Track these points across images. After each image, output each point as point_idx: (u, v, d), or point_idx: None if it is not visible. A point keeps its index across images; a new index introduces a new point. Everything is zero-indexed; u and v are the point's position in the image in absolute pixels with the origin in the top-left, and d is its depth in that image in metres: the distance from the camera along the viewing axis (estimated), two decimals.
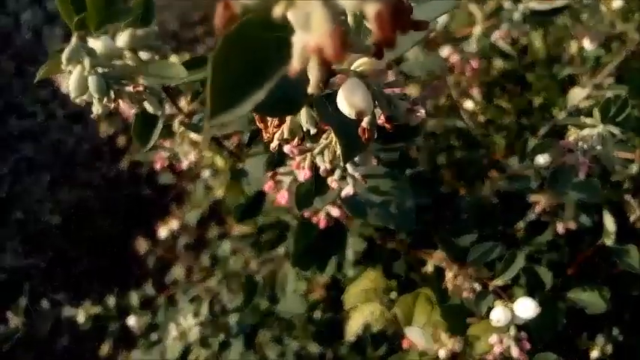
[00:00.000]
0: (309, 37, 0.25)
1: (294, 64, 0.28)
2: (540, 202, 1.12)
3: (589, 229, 1.17)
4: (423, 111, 0.46)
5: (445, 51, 1.14)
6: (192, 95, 0.89)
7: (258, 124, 0.49)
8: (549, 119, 1.55)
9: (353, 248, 1.22)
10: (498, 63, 1.53)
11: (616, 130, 0.95)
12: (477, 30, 1.10)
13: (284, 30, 0.29)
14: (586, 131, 0.95)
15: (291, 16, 0.27)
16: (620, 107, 0.96)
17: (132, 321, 1.63)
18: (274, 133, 0.56)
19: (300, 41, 0.27)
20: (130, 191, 2.76)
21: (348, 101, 0.43)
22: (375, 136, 0.69)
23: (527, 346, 0.96)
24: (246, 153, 1.07)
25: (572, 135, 0.96)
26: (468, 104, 1.49)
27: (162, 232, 1.62)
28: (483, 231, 1.23)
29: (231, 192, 1.33)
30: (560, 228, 1.11)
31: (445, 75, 1.27)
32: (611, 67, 1.33)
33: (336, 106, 0.48)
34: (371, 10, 0.24)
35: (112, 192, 2.76)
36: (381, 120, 0.47)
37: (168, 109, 0.88)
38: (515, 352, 0.95)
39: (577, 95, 1.36)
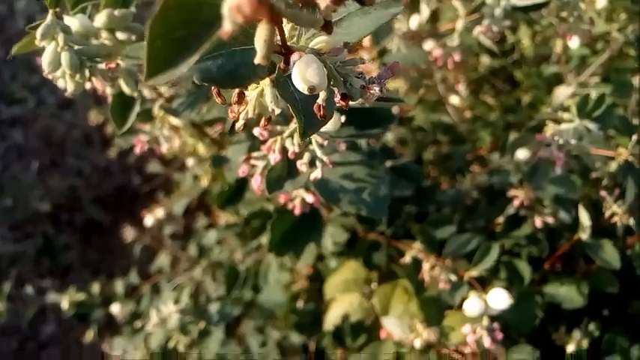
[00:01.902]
0: None
1: (225, 26, 0.29)
2: (520, 196, 1.13)
3: (568, 225, 1.19)
4: (377, 89, 0.47)
5: (428, 45, 1.15)
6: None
7: (215, 98, 0.50)
8: (536, 117, 1.56)
9: (334, 239, 1.22)
10: (486, 60, 1.54)
11: (592, 125, 0.96)
12: (460, 25, 1.11)
13: None
14: (563, 126, 0.96)
15: None
16: (597, 103, 0.97)
17: (116, 308, 1.64)
18: (240, 113, 0.57)
19: (228, 2, 0.28)
20: (119, 180, 2.77)
21: (301, 76, 0.44)
22: (337, 117, 0.71)
23: (500, 336, 0.97)
24: (229, 141, 1.09)
25: (550, 130, 0.97)
26: (454, 100, 1.50)
27: (149, 220, 1.63)
28: (464, 224, 1.25)
29: (216, 180, 1.35)
30: (538, 222, 1.13)
31: (429, 66, 1.28)
32: (595, 67, 1.35)
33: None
34: None
35: (101, 180, 2.77)
36: (337, 98, 0.48)
37: (148, 93, 0.89)
38: (487, 342, 0.97)
39: (562, 93, 1.38)
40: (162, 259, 1.77)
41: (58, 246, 2.55)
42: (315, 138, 0.69)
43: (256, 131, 0.68)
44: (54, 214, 2.64)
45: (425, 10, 1.11)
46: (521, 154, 1.19)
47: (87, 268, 2.48)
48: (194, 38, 0.32)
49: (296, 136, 0.68)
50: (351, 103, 0.51)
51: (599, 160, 1.11)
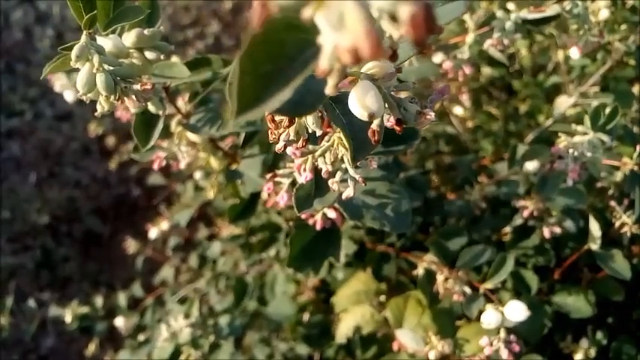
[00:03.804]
0: (343, 37, 0.26)
1: (323, 65, 0.29)
2: (528, 206, 1.13)
3: (574, 234, 1.20)
4: (432, 114, 0.48)
5: (438, 58, 1.16)
6: (190, 96, 0.89)
7: (269, 124, 0.50)
8: (535, 126, 1.58)
9: (345, 251, 1.23)
10: (486, 70, 1.55)
11: (606, 138, 0.97)
12: (470, 38, 1.12)
13: (309, 32, 0.30)
14: (577, 138, 0.97)
15: (320, 17, 0.28)
16: (610, 115, 0.98)
17: (119, 321, 1.62)
18: (280, 135, 0.57)
19: (330, 42, 0.28)
20: (118, 191, 2.74)
21: (360, 103, 0.44)
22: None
23: (517, 348, 0.98)
24: (241, 154, 1.08)
25: (563, 142, 0.98)
26: (458, 110, 1.51)
27: (153, 233, 1.61)
28: (472, 235, 1.25)
29: (223, 193, 1.34)
30: (546, 232, 1.14)
31: (439, 80, 1.29)
32: (596, 77, 1.36)
33: (344, 108, 0.49)
34: (405, 11, 0.25)
35: (100, 192, 2.74)
36: (390, 123, 0.48)
37: (167, 109, 0.89)
38: (504, 354, 0.97)
39: (563, 103, 1.39)
40: (166, 271, 1.76)
41: (57, 258, 2.52)
42: (347, 157, 0.69)
43: (289, 150, 0.68)
44: (53, 226, 2.61)
45: None
46: (531, 165, 1.20)
47: (86, 279, 2.46)
48: (281, 73, 0.31)
49: (327, 155, 0.68)
50: None
51: (604, 169, 1.13)
